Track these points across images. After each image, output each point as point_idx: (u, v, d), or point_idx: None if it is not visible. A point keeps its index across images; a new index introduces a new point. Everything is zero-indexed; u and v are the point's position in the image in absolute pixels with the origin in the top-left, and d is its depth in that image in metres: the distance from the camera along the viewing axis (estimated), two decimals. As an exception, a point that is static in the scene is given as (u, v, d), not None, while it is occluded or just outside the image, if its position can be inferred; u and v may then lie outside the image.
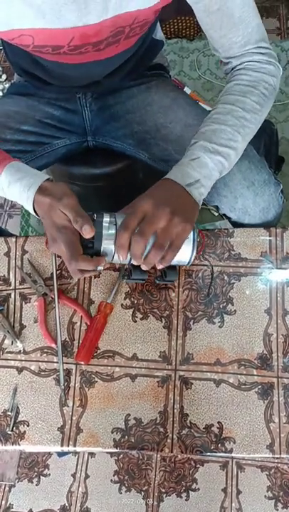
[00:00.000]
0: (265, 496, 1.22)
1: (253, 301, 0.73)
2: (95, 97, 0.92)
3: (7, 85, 1.94)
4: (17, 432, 0.72)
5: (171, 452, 0.68)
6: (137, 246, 0.61)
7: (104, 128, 0.94)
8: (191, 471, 1.26)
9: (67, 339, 0.75)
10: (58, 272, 0.77)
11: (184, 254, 0.66)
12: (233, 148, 0.69)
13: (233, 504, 1.21)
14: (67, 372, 0.73)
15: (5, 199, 0.81)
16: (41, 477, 1.30)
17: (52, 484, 1.29)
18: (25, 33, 0.64)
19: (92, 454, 1.31)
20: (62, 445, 0.70)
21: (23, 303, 0.78)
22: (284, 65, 1.80)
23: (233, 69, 0.76)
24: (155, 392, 0.71)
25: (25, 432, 0.72)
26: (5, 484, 1.31)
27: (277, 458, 1.17)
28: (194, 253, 0.67)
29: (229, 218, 0.82)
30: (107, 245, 0.64)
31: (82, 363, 0.72)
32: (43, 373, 0.74)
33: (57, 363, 0.73)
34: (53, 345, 0.74)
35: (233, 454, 0.68)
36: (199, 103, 1.02)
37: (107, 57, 0.74)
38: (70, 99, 0.92)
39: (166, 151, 0.87)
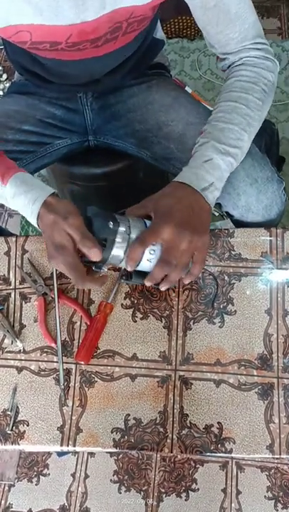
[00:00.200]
0: (265, 497, 1.22)
1: (254, 302, 0.73)
2: (95, 96, 0.92)
3: (7, 85, 1.93)
4: (17, 431, 0.72)
5: (171, 452, 0.68)
6: (160, 273, 0.62)
7: (106, 127, 0.94)
8: (190, 471, 1.26)
9: (67, 339, 0.74)
10: (57, 272, 0.77)
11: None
12: (241, 147, 0.69)
13: (233, 504, 1.21)
14: (67, 372, 0.73)
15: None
16: (41, 477, 1.30)
17: (51, 484, 1.29)
18: (23, 29, 0.63)
19: (91, 454, 1.31)
20: (61, 445, 0.70)
21: (23, 302, 0.78)
22: (284, 65, 1.80)
23: (230, 66, 0.76)
24: (155, 392, 0.71)
25: (24, 431, 0.71)
26: (4, 484, 1.31)
27: (277, 458, 1.16)
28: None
29: (231, 216, 0.82)
30: (116, 252, 0.62)
31: (82, 362, 0.72)
32: (42, 373, 0.74)
33: (57, 362, 0.73)
34: (53, 345, 0.74)
35: (232, 455, 0.68)
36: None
37: (106, 54, 0.73)
38: (71, 99, 0.92)
39: (168, 149, 0.87)
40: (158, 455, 1.28)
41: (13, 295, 0.78)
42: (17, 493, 1.30)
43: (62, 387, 0.72)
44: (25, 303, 0.77)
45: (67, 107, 0.93)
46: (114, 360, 0.73)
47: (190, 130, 0.83)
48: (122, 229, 0.61)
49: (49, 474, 1.30)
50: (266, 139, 1.37)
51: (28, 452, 1.33)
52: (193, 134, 0.83)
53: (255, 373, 0.70)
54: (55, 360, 0.74)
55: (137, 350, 0.73)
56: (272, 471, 1.24)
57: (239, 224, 0.81)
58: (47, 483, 1.30)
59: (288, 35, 1.92)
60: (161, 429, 0.69)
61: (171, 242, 0.61)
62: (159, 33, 0.94)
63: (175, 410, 0.70)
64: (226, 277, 0.75)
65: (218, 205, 0.82)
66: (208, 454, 0.68)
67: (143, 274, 0.65)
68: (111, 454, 1.30)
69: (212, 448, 0.68)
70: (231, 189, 0.76)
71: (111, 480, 1.28)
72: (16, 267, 0.79)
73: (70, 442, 0.70)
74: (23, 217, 1.65)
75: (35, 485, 1.30)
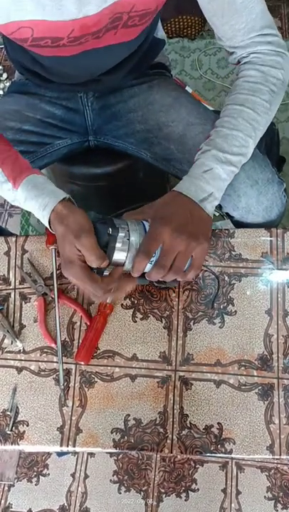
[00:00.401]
0: (265, 497, 1.21)
1: (254, 302, 0.73)
2: (96, 96, 0.92)
3: (8, 84, 1.93)
4: (16, 431, 0.72)
5: (171, 453, 0.68)
6: (156, 276, 0.64)
7: (106, 127, 0.94)
8: (190, 472, 1.26)
9: (67, 339, 0.74)
10: (57, 272, 0.77)
11: None
12: (244, 154, 0.69)
13: (233, 505, 1.21)
14: (67, 372, 0.73)
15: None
16: (40, 477, 1.30)
17: (51, 484, 1.29)
18: (25, 25, 0.63)
19: (91, 454, 1.31)
20: (61, 445, 0.70)
21: (23, 302, 0.77)
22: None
23: (239, 61, 0.75)
24: (155, 392, 0.71)
25: (24, 431, 0.71)
26: (4, 484, 1.31)
27: (277, 459, 1.16)
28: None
29: (231, 218, 0.82)
30: (118, 257, 0.63)
31: (82, 363, 0.72)
32: (42, 373, 0.73)
33: (57, 362, 0.73)
34: (53, 345, 0.74)
35: (232, 455, 0.68)
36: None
37: (106, 46, 0.73)
38: (72, 98, 0.92)
39: (168, 149, 0.86)
40: (158, 455, 1.28)
41: (13, 295, 0.78)
42: (17, 493, 1.29)
43: (62, 387, 0.72)
44: (25, 303, 0.77)
45: (68, 107, 0.93)
46: (114, 361, 0.73)
47: (190, 131, 0.83)
48: (121, 234, 0.62)
49: (49, 474, 1.30)
50: (267, 140, 1.37)
51: (27, 452, 1.33)
52: (193, 134, 0.83)
53: (255, 374, 0.70)
54: (55, 360, 0.74)
55: (137, 351, 0.73)
56: (272, 471, 1.24)
57: (239, 225, 0.81)
58: (47, 483, 1.29)
59: (289, 35, 1.92)
60: (161, 430, 0.69)
61: (168, 245, 0.63)
62: (160, 33, 0.94)
63: (175, 411, 0.70)
64: (226, 278, 0.75)
65: (219, 206, 0.82)
66: (208, 454, 0.68)
67: (143, 274, 0.65)
68: (111, 454, 1.30)
69: (212, 448, 0.68)
70: (232, 190, 0.76)
71: (111, 480, 1.28)
72: (15, 267, 0.79)
73: (69, 443, 0.70)
74: (23, 217, 1.65)
75: (35, 485, 1.29)
